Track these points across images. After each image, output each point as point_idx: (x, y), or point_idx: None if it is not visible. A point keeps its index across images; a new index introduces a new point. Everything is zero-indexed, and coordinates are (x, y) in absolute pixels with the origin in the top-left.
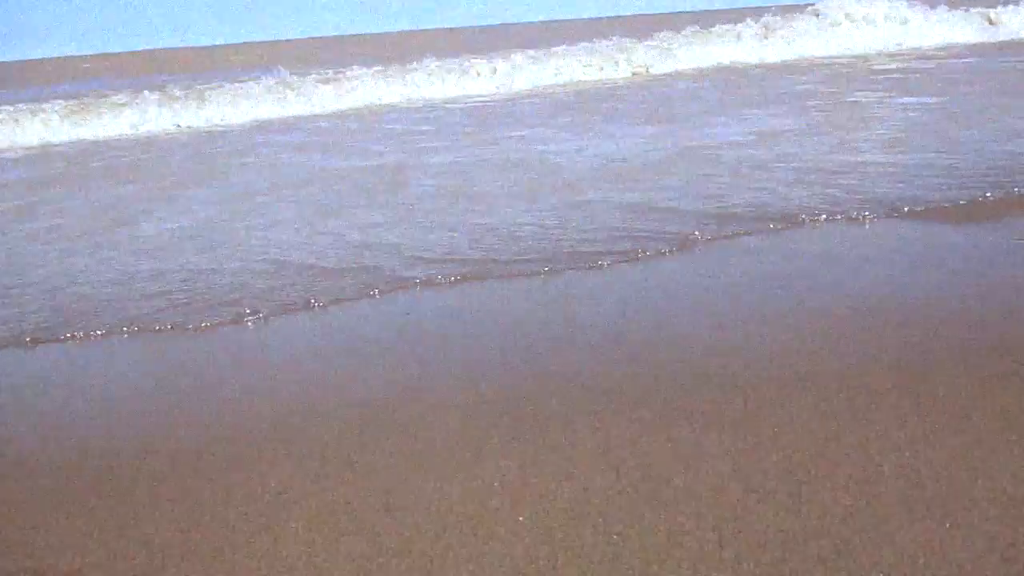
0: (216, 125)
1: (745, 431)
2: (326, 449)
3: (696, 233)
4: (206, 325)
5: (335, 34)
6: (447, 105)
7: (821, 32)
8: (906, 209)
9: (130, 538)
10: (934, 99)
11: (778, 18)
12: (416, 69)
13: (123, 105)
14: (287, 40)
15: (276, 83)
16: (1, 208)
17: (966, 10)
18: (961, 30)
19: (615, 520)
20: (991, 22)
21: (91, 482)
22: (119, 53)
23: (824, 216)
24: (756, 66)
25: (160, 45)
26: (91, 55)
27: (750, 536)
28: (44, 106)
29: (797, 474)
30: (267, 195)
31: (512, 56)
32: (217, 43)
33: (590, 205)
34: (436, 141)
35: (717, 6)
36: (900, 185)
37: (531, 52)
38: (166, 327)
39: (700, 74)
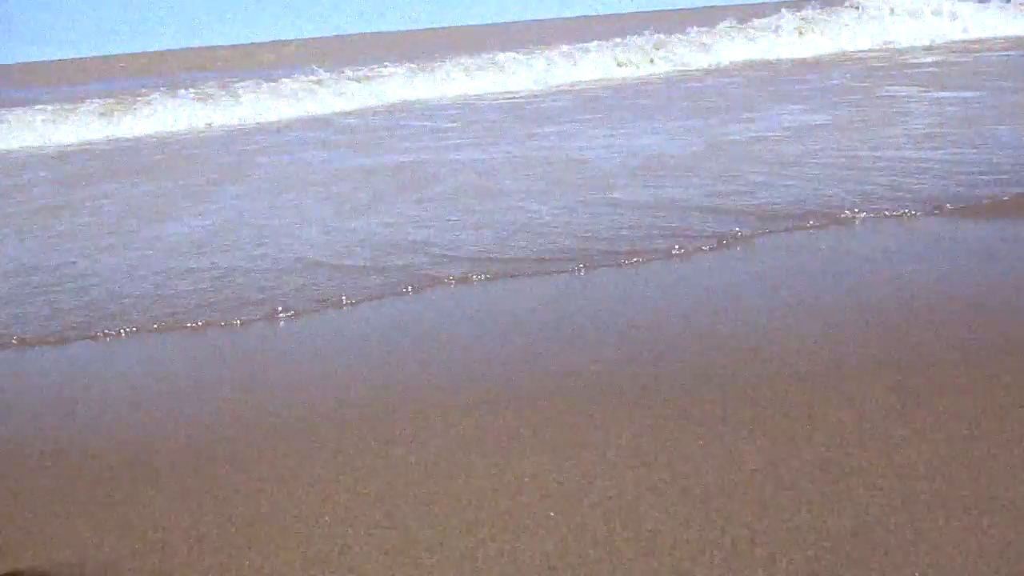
0: (249, 123)
1: (778, 429)
2: (358, 443)
3: (737, 230)
4: (238, 322)
5: (367, 31)
6: (479, 102)
7: (861, 25)
8: (948, 206)
9: (166, 528)
10: (973, 93)
11: (817, 11)
12: (447, 65)
13: (157, 103)
14: (319, 38)
15: (309, 80)
16: (37, 206)
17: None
18: (1007, 23)
19: (647, 516)
20: None
21: (126, 476)
22: (153, 52)
23: (864, 213)
24: (793, 61)
25: (195, 44)
26: (125, 54)
27: (783, 534)
28: (80, 105)
29: (831, 472)
30: (298, 192)
31: (544, 52)
32: (250, 41)
33: (622, 202)
34: (466, 138)
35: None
36: (942, 182)
37: (563, 47)
38: (197, 324)
39: (736, 69)
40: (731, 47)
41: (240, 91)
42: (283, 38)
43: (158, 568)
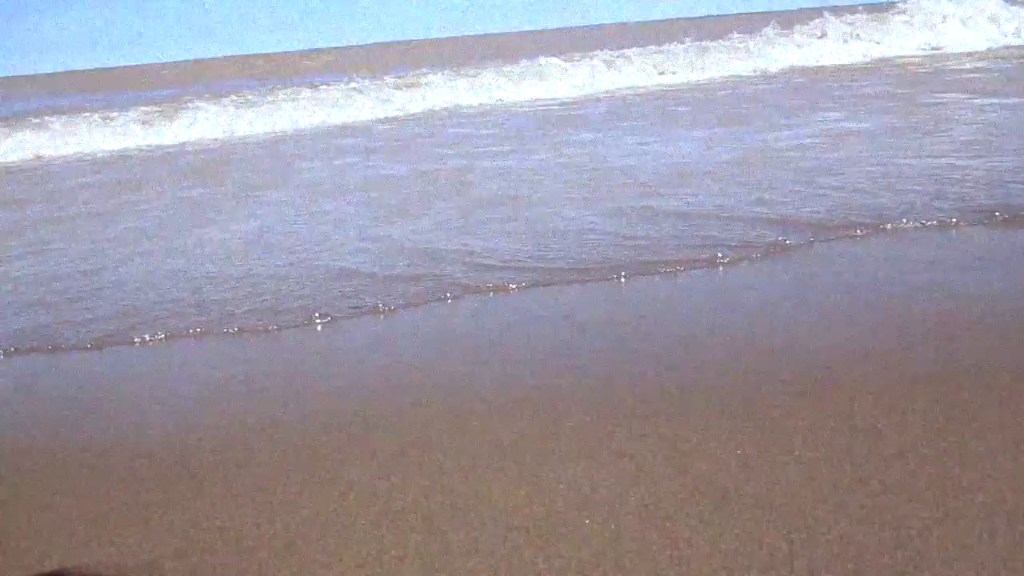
0: (288, 130)
1: (819, 440)
2: (395, 448)
3: (780, 239)
4: (275, 328)
5: (408, 38)
6: (518, 108)
7: (910, 31)
8: (997, 215)
9: (206, 528)
10: (1017, 100)
11: (864, 15)
12: (487, 72)
13: (198, 111)
14: (359, 45)
15: (348, 87)
16: (81, 211)
17: None
18: None
19: (683, 526)
20: None
21: (168, 478)
22: (196, 60)
23: (910, 222)
24: (839, 67)
25: (237, 52)
26: (170, 62)
27: (822, 547)
28: (124, 112)
29: (871, 485)
30: (336, 199)
31: (584, 59)
32: (290, 49)
33: (663, 210)
34: (505, 144)
35: (799, 5)
36: (990, 190)
37: (603, 55)
38: (234, 330)
39: (779, 75)
40: (774, 53)
41: (280, 98)
42: (322, 46)
43: (198, 568)
